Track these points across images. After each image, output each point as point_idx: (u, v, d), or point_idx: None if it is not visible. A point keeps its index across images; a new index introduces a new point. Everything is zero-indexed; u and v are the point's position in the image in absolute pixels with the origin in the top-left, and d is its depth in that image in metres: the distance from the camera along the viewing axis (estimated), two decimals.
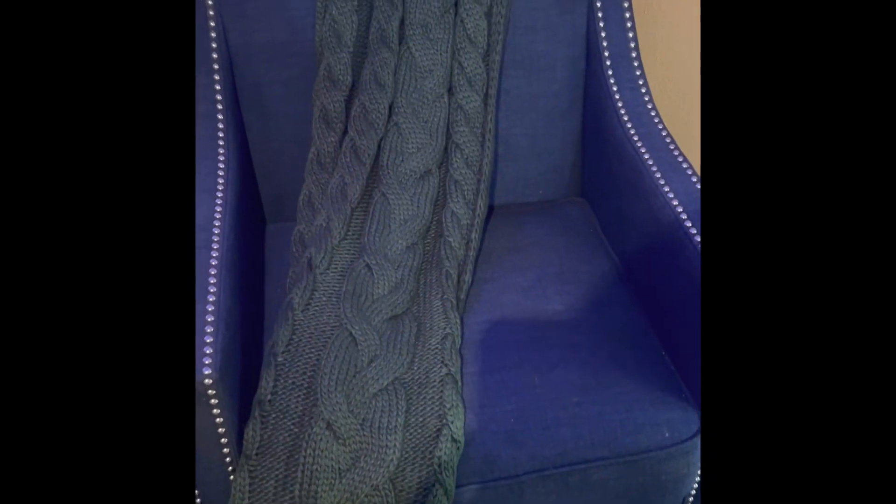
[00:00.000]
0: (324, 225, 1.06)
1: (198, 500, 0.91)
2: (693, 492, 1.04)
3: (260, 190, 1.25)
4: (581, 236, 1.22)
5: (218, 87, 1.15)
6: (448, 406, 0.89)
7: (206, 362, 0.80)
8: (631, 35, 1.21)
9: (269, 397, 0.89)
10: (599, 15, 1.20)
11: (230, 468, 0.88)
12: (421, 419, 0.88)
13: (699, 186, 1.03)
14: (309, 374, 0.91)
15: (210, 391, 0.80)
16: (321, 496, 0.83)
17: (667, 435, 0.92)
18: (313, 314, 0.96)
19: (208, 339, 0.82)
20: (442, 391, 0.90)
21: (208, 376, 0.79)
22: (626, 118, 1.16)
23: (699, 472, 1.00)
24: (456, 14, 1.14)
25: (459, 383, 0.93)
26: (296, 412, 0.88)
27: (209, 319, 0.85)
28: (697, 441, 0.93)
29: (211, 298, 0.87)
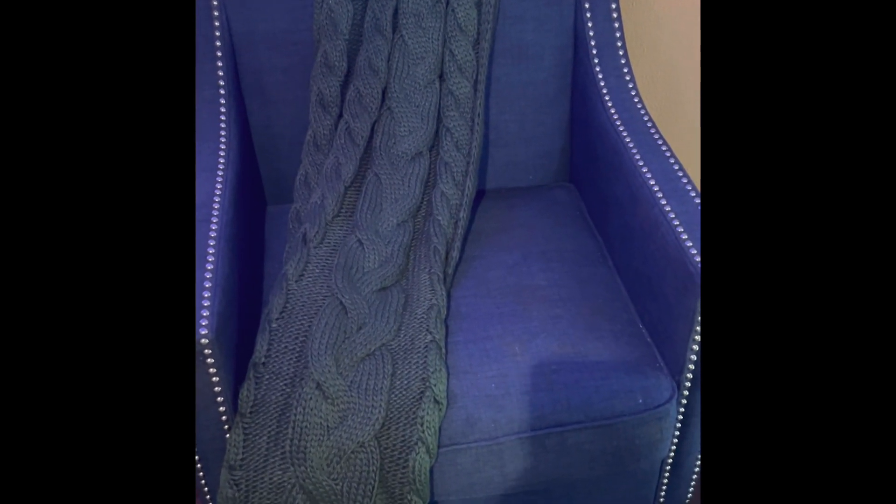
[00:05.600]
0: (318, 202, 1.11)
1: (196, 456, 0.96)
2: (670, 458, 1.09)
3: (261, 172, 1.31)
4: (567, 218, 1.26)
5: (221, 74, 1.20)
6: (431, 370, 0.94)
7: (203, 324, 0.86)
8: (617, 25, 1.26)
9: (263, 360, 0.94)
10: (586, 6, 1.25)
11: (226, 426, 0.93)
12: (406, 382, 0.93)
13: (676, 167, 1.08)
14: (301, 339, 0.96)
15: (206, 350, 0.86)
16: (310, 451, 0.88)
17: (640, 401, 0.97)
18: (306, 284, 1.02)
19: (205, 303, 0.88)
20: (426, 356, 0.95)
21: (204, 336, 0.85)
22: (609, 104, 1.21)
23: (674, 437, 1.05)
24: (447, 4, 1.20)
25: (443, 350, 0.98)
26: (288, 374, 0.93)
27: (207, 285, 0.90)
28: (670, 407, 0.98)
29: (209, 266, 0.93)
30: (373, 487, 0.88)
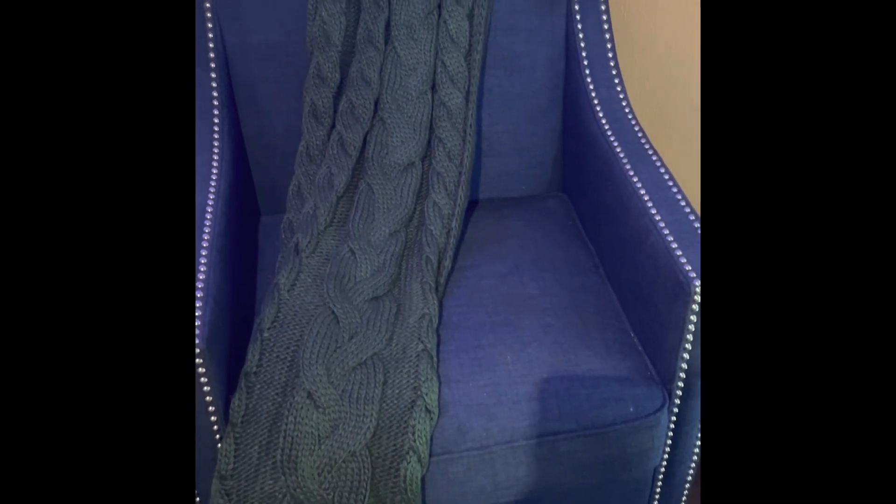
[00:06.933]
0: (311, 212, 1.12)
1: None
2: (662, 468, 1.09)
3: (255, 183, 1.31)
4: (559, 227, 1.27)
5: (214, 85, 1.21)
6: (423, 379, 0.94)
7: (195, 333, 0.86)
8: (608, 37, 1.27)
9: (254, 369, 0.94)
10: (577, 17, 1.26)
11: (217, 436, 0.93)
12: (397, 391, 0.94)
13: (666, 177, 1.09)
14: (292, 348, 0.96)
15: (198, 360, 0.86)
16: (301, 461, 0.88)
17: (631, 409, 0.97)
18: (298, 294, 1.02)
19: (197, 313, 0.88)
20: (418, 365, 0.96)
21: (196, 346, 0.85)
22: (601, 114, 1.22)
23: (666, 446, 1.05)
24: (439, 16, 1.21)
25: (434, 359, 0.98)
26: (279, 383, 0.93)
27: (198, 295, 0.91)
28: (661, 416, 0.98)
29: (201, 276, 0.93)
30: (364, 497, 0.88)
